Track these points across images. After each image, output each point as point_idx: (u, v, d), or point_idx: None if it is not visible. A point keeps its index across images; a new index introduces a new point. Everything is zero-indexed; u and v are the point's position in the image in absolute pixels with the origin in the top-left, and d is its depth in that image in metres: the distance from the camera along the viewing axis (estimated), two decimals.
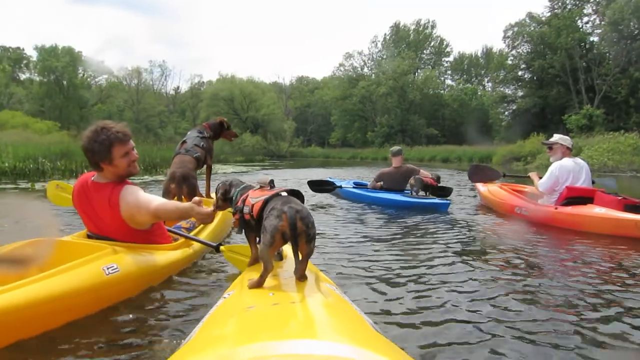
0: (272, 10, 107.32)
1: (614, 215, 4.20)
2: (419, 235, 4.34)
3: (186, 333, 1.85)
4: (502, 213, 5.63)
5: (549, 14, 34.03)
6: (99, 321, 1.99)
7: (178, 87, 63.07)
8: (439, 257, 3.38)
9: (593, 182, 4.99)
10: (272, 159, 35.52)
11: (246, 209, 1.81)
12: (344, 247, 3.69)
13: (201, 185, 4.56)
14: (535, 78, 35.70)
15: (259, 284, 1.53)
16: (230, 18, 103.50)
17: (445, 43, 51.03)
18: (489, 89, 48.23)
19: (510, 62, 37.93)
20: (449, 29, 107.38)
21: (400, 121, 43.11)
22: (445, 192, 6.55)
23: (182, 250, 2.80)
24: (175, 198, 3.96)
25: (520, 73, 37.30)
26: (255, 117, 48.02)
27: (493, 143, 31.52)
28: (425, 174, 6.56)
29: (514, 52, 37.37)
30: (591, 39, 32.43)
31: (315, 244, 1.62)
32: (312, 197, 6.88)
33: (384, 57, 49.95)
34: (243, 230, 1.94)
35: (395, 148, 6.95)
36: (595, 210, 4.37)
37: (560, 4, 33.49)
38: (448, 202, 5.77)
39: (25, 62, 49.79)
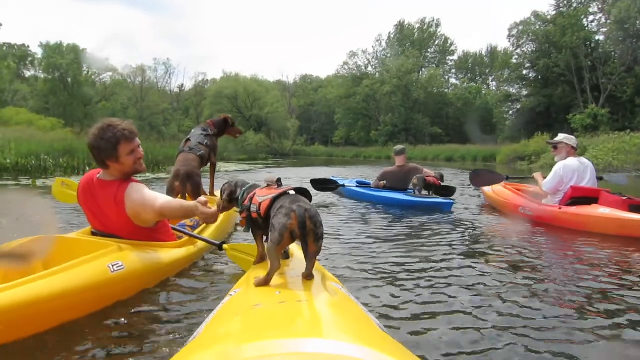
0: (277, 8, 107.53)
1: (618, 216, 4.17)
2: (423, 235, 4.33)
3: (191, 331, 1.85)
4: (506, 213, 5.61)
5: (554, 12, 33.87)
6: (101, 319, 1.99)
7: (182, 85, 63.13)
8: (444, 257, 3.37)
9: (602, 179, 4.95)
10: (275, 158, 35.56)
11: (253, 207, 1.81)
12: (348, 246, 3.69)
13: (205, 183, 4.56)
14: (540, 77, 35.53)
15: (265, 282, 1.53)
16: (234, 16, 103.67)
17: (449, 42, 50.98)
18: (494, 88, 48.11)
19: (515, 61, 37.79)
20: (453, 27, 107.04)
21: (404, 120, 43.04)
22: (448, 191, 6.51)
23: (186, 248, 2.82)
24: (180, 196, 3.98)
25: (525, 72, 37.15)
26: (259, 115, 48.08)
27: (497, 142, 31.44)
28: (429, 173, 6.54)
29: (518, 50, 37.25)
30: (597, 37, 32.31)
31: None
32: (315, 196, 6.80)
33: (388, 55, 49.89)
34: (250, 229, 1.93)
35: (399, 147, 6.93)
36: (600, 211, 4.34)
37: (565, 2, 33.32)
38: (452, 201, 5.76)
39: (30, 59, 49.96)
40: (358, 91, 46.65)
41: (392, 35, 51.18)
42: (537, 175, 5.32)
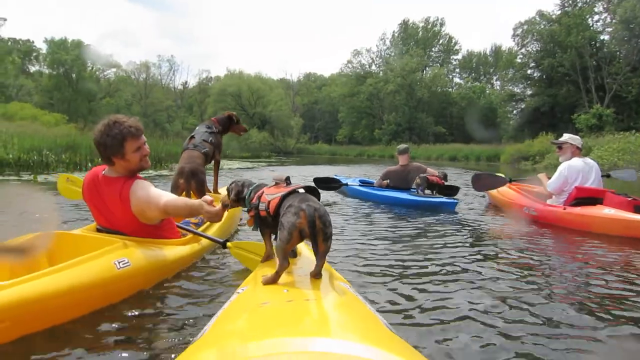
0: (281, 5, 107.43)
1: (623, 216, 4.15)
2: (428, 235, 4.32)
3: (197, 328, 1.86)
4: (511, 213, 5.60)
5: (559, 12, 33.75)
6: (106, 316, 1.99)
7: (186, 82, 63.46)
8: (450, 257, 3.36)
9: (609, 176, 4.90)
10: (278, 156, 35.56)
11: (262, 206, 1.81)
12: (353, 245, 3.68)
13: (209, 180, 4.56)
14: (544, 77, 35.39)
15: (273, 280, 1.53)
16: (238, 14, 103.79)
17: (453, 41, 50.85)
18: (498, 87, 47.96)
19: (519, 60, 37.68)
20: (457, 26, 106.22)
21: (407, 119, 42.96)
22: (452, 191, 6.50)
23: (190, 245, 2.82)
24: (184, 193, 3.98)
25: (529, 71, 37.03)
26: (263, 113, 48.08)
27: (501, 142, 31.34)
28: (432, 172, 6.53)
29: (523, 50, 37.14)
30: (602, 37, 32.16)
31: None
32: None
33: (392, 54, 49.80)
34: (258, 227, 1.93)
35: (402, 146, 6.92)
36: (605, 211, 4.32)
37: (570, 1, 33.18)
38: (455, 201, 5.74)
39: (35, 54, 50.06)
40: (362, 90, 46.60)
41: (396, 34, 51.14)
42: (542, 176, 5.30)
